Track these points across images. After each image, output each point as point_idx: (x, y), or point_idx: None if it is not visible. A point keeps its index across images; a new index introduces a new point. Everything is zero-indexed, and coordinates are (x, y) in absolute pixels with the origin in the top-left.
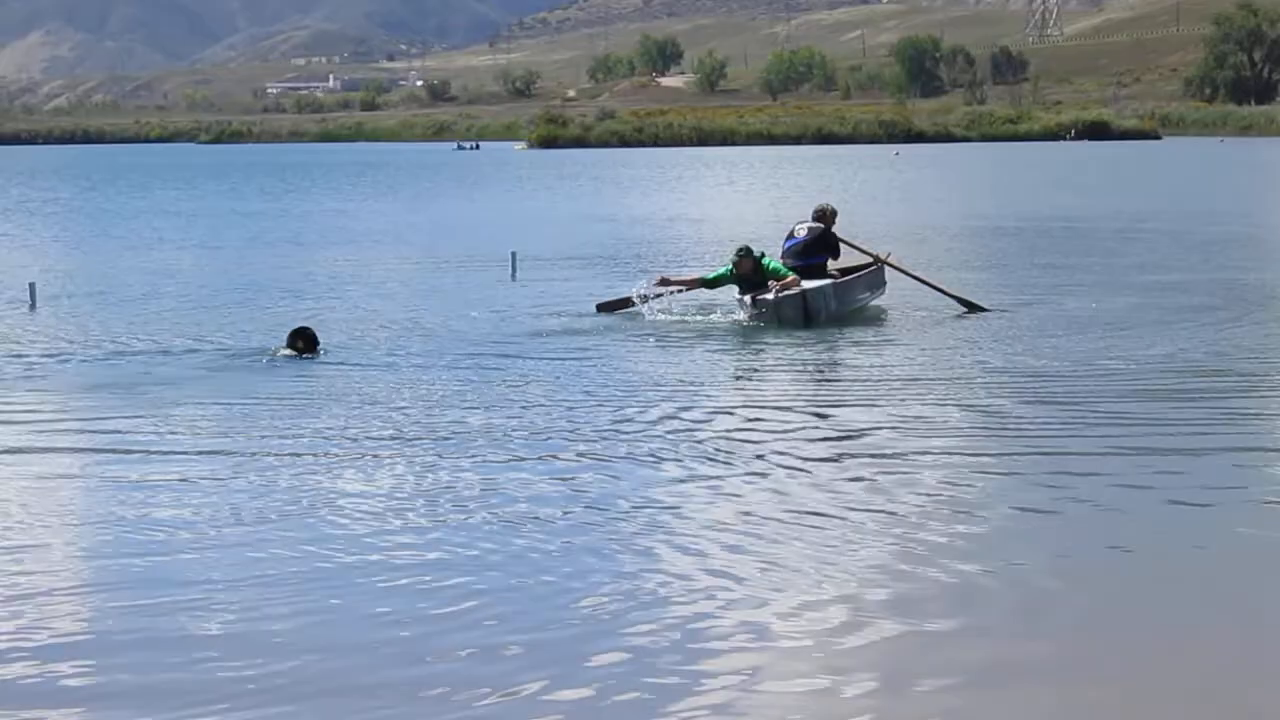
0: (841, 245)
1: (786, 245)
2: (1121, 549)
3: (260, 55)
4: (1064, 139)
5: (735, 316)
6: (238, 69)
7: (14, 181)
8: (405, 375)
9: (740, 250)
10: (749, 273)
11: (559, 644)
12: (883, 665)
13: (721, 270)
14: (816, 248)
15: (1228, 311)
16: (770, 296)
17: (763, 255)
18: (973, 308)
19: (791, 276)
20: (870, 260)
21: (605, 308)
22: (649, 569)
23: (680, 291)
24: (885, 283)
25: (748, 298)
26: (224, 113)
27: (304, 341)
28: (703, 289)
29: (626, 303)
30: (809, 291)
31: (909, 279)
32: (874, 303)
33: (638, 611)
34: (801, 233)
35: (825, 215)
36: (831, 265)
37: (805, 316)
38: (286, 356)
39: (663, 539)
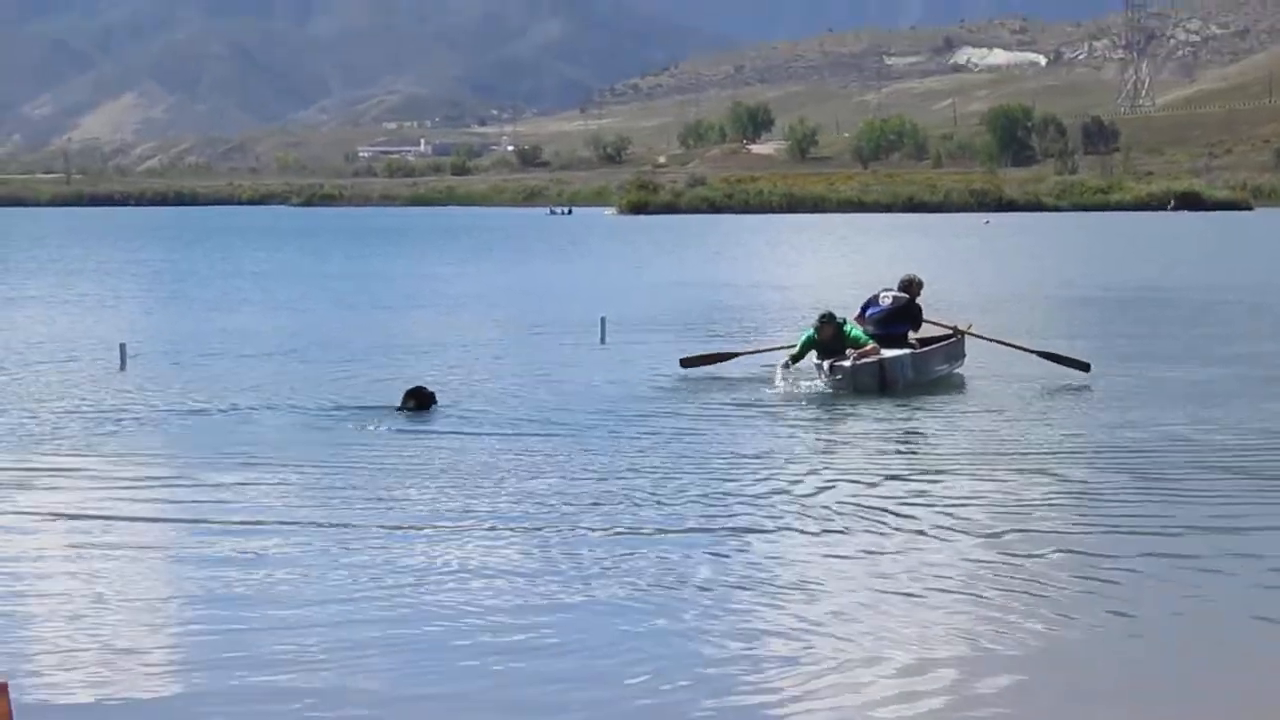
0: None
1: (870, 312)
2: (1200, 624)
3: (352, 119)
4: (1165, 209)
5: (812, 383)
6: (329, 132)
7: (106, 242)
8: (495, 441)
9: (823, 315)
10: (830, 339)
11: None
12: None
13: (805, 335)
14: (899, 317)
15: None
16: (847, 364)
17: (844, 322)
18: (1071, 364)
19: (871, 345)
20: (949, 331)
21: (689, 363)
22: (742, 635)
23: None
24: (964, 354)
25: (826, 364)
26: (315, 175)
27: (416, 400)
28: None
29: (714, 358)
30: (886, 360)
31: (994, 345)
32: (954, 372)
33: (720, 687)
34: (886, 300)
35: (911, 285)
36: (912, 336)
37: (882, 385)
38: (400, 412)
39: (746, 609)
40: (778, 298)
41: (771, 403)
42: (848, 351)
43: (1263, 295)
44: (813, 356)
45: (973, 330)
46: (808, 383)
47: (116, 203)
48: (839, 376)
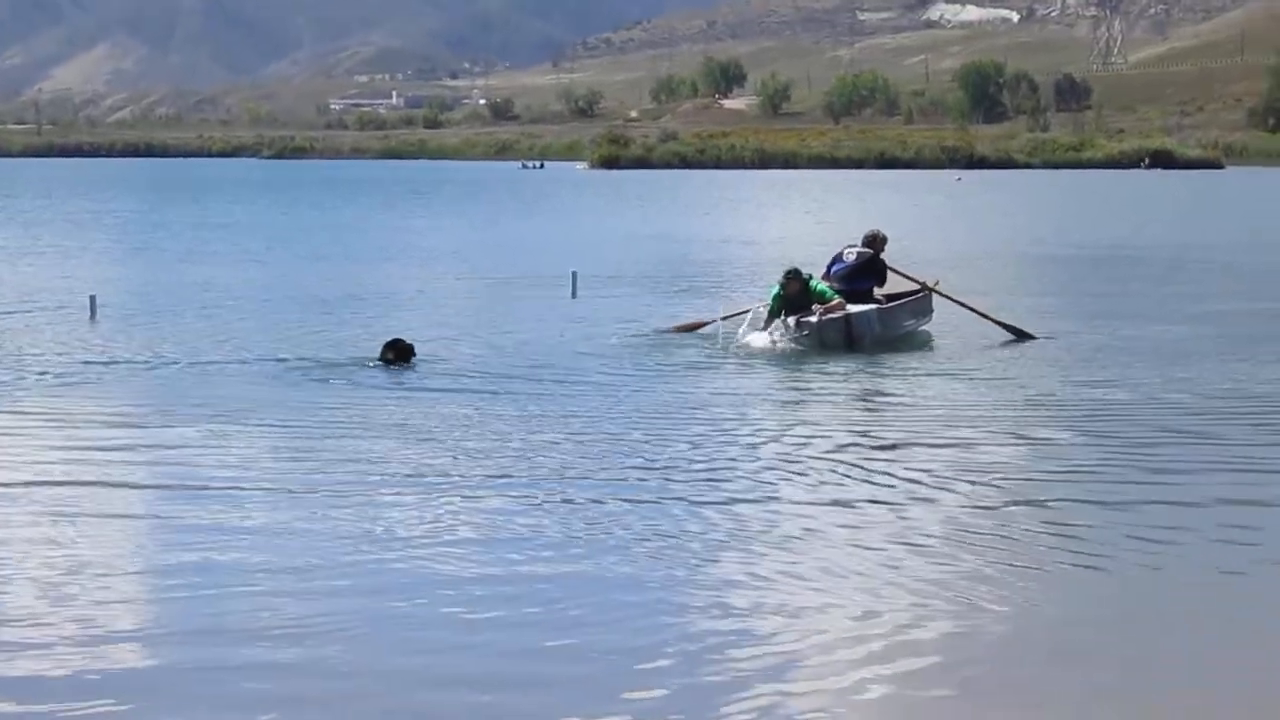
0: (890, 273)
1: (834, 269)
2: (1160, 576)
3: (324, 71)
4: (1139, 167)
5: (778, 337)
6: (301, 84)
7: (77, 193)
8: (463, 397)
9: (789, 272)
10: (796, 294)
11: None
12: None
13: (773, 292)
14: (863, 273)
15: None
16: (813, 319)
17: (810, 278)
18: (1021, 335)
19: (836, 300)
20: (918, 287)
21: (681, 329)
22: (715, 588)
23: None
24: (932, 310)
25: (791, 320)
26: (286, 128)
27: (395, 352)
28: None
29: (692, 327)
30: (853, 315)
31: (958, 307)
32: (921, 329)
33: (680, 637)
34: (850, 257)
35: (875, 241)
36: (878, 292)
37: (848, 340)
38: (377, 366)
39: (718, 563)
40: (747, 253)
41: (740, 357)
42: (814, 307)
43: (1233, 254)
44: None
45: (939, 288)
46: (773, 337)
47: (87, 154)
48: (805, 332)
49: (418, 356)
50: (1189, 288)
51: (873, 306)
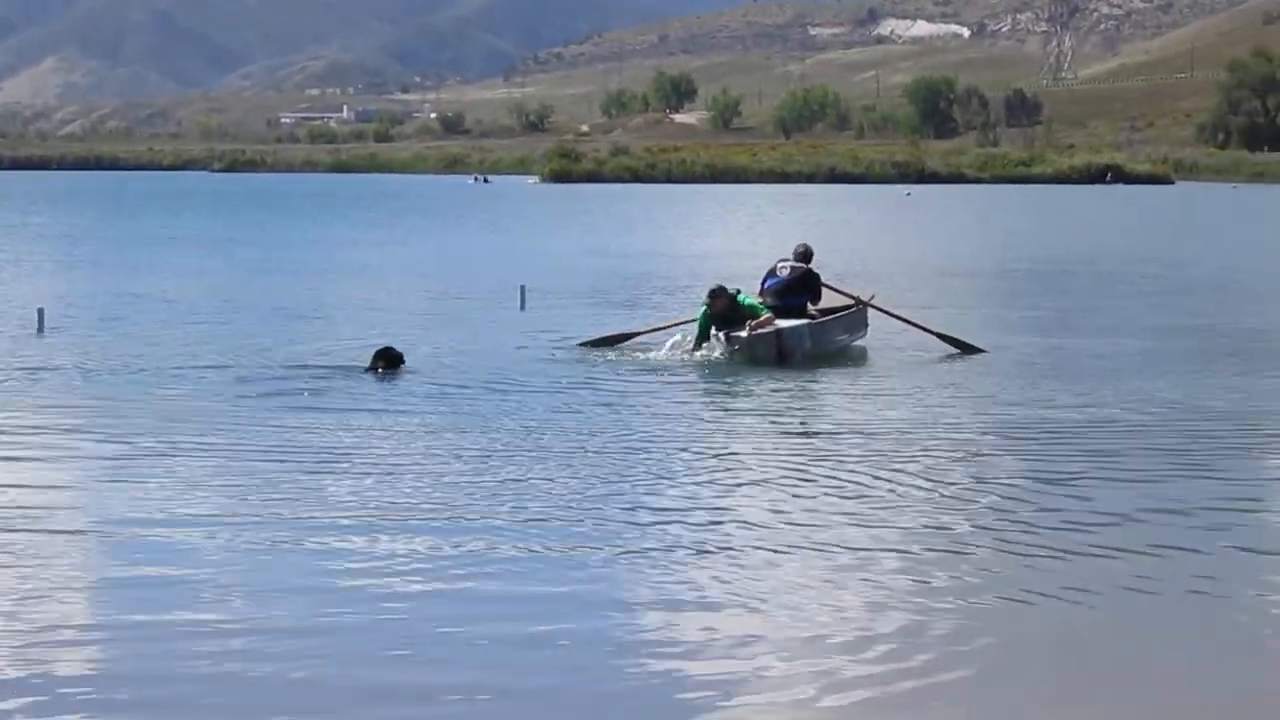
0: (824, 288)
1: (768, 284)
2: (1088, 591)
3: (275, 85)
4: (1103, 182)
5: (711, 353)
6: (252, 98)
7: (25, 206)
8: (405, 415)
9: (713, 290)
10: (724, 310)
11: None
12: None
13: (700, 313)
14: (797, 288)
15: (1234, 359)
16: (744, 334)
17: (739, 292)
18: (966, 349)
19: (767, 315)
20: (851, 302)
21: (590, 345)
22: (652, 607)
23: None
24: (867, 325)
25: (723, 334)
26: (237, 141)
27: (385, 361)
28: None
29: (613, 340)
30: (784, 330)
31: (896, 321)
32: (855, 343)
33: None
34: (784, 272)
35: (806, 255)
36: (812, 308)
37: (779, 355)
38: (370, 375)
39: (651, 580)
40: (697, 266)
41: (676, 374)
42: (748, 323)
43: (1182, 269)
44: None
45: (874, 302)
46: (705, 353)
47: (37, 167)
48: (736, 347)
49: (333, 366)
50: (1137, 301)
51: (804, 321)
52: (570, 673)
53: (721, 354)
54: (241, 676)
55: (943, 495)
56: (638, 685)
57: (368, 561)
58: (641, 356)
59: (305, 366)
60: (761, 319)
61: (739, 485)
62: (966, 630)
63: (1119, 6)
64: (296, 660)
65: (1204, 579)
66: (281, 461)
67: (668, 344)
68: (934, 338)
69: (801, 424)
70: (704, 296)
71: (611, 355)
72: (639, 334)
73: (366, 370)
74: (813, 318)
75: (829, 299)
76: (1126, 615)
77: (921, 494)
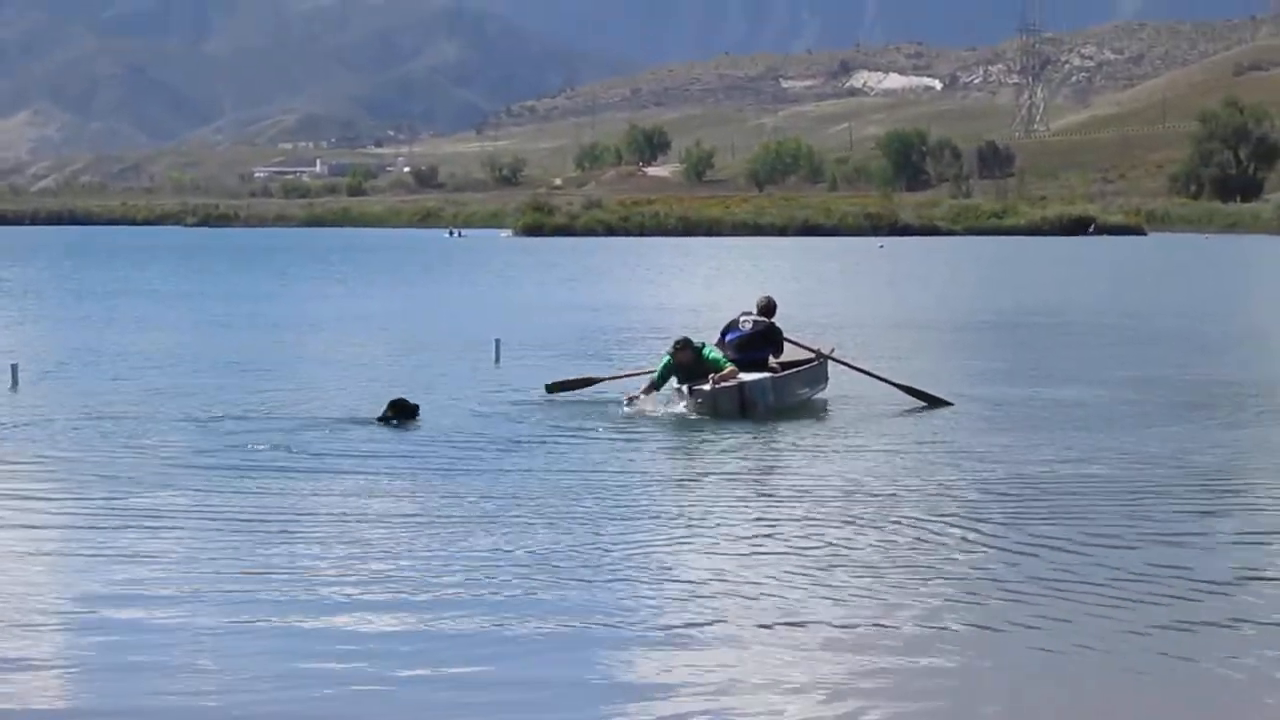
0: (785, 342)
1: (729, 337)
2: (1058, 638)
3: (247, 139)
4: (1087, 233)
5: (674, 407)
6: (224, 152)
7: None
8: (378, 466)
9: (678, 342)
10: (688, 363)
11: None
12: None
13: (663, 362)
14: (759, 341)
15: (1208, 409)
16: (707, 388)
17: (703, 346)
18: (933, 401)
19: (730, 368)
20: (812, 355)
21: (555, 388)
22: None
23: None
24: (828, 378)
25: (685, 387)
26: (210, 195)
27: (396, 411)
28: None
29: (578, 384)
30: (746, 384)
31: (857, 374)
32: (816, 397)
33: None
34: (746, 325)
35: (769, 309)
36: (773, 361)
37: (742, 408)
38: (382, 424)
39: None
40: (664, 319)
41: (640, 427)
42: (711, 376)
43: (1152, 320)
44: (674, 381)
45: (835, 355)
46: (669, 407)
47: (10, 222)
48: (699, 400)
49: (304, 422)
50: (1105, 352)
51: (767, 375)
52: None
53: (685, 407)
54: None
55: (906, 552)
56: None
57: (327, 643)
58: (612, 410)
59: (279, 419)
60: (725, 372)
61: (705, 549)
62: (928, 689)
63: (1090, 59)
64: None
65: (1180, 636)
66: (248, 521)
67: (633, 394)
68: (898, 390)
69: (763, 480)
70: (669, 347)
71: (579, 406)
72: (603, 379)
73: (380, 420)
74: (774, 371)
75: (790, 352)
76: (1097, 677)
77: (885, 552)
